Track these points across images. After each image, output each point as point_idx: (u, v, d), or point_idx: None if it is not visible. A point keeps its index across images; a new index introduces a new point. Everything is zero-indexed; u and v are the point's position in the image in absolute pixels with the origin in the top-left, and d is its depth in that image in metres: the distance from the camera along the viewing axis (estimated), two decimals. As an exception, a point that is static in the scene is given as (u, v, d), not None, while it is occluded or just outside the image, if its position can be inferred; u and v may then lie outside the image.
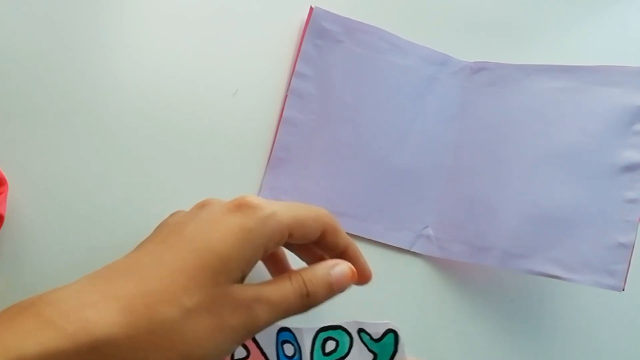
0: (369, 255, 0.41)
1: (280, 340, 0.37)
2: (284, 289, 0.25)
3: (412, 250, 0.41)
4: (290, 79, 0.40)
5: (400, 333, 0.37)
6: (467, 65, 0.43)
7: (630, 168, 0.38)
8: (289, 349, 0.37)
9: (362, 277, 0.31)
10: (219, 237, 0.23)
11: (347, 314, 0.40)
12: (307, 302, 0.26)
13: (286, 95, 0.40)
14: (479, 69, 0.42)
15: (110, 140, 0.38)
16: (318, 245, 0.29)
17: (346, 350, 0.37)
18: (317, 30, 0.41)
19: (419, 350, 0.40)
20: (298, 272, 0.27)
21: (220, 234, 0.23)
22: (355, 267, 0.29)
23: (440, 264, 0.42)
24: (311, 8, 0.41)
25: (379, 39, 0.41)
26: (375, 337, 0.37)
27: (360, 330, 0.38)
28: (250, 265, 0.24)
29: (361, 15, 0.41)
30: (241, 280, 0.24)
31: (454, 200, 0.41)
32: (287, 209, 0.26)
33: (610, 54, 0.45)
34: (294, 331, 0.37)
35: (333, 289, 0.27)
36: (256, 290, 0.24)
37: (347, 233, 0.40)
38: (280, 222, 0.25)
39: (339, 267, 0.27)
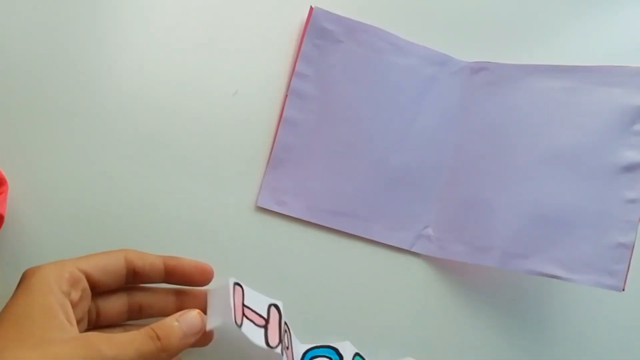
0: (369, 255, 0.41)
1: None
2: (131, 334, 0.26)
3: (412, 250, 0.41)
4: (290, 79, 0.40)
5: None
6: (467, 65, 0.43)
7: (630, 168, 0.38)
8: None
9: (202, 273, 0.32)
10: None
11: (348, 313, 0.40)
12: (161, 345, 0.26)
13: (286, 95, 0.40)
14: (479, 69, 0.42)
15: (110, 140, 0.38)
16: (140, 279, 0.31)
17: None
18: (317, 30, 0.41)
19: (419, 350, 0.40)
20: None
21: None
22: (187, 269, 0.31)
23: (440, 264, 0.42)
24: (311, 8, 0.41)
25: (379, 39, 0.41)
26: None
27: (356, 355, 0.37)
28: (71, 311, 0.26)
29: (361, 15, 0.41)
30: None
31: (454, 200, 0.41)
32: (82, 259, 0.28)
33: (610, 54, 0.45)
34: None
35: (185, 333, 0.28)
36: (99, 335, 0.25)
37: (347, 233, 0.41)
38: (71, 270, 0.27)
39: (188, 313, 0.29)
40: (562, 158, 0.39)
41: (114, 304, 0.31)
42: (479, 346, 0.42)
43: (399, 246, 0.41)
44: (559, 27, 0.45)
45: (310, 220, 0.40)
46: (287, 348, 0.35)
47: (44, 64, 0.37)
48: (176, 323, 0.28)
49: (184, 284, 0.32)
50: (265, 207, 0.39)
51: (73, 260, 0.28)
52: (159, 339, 0.26)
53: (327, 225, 0.40)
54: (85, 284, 0.28)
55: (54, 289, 0.26)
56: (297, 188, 0.40)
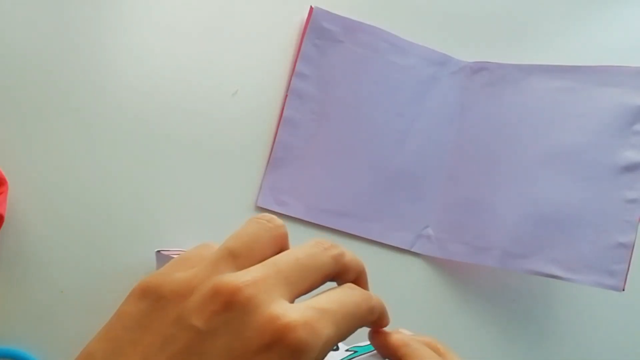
0: (369, 255, 0.41)
1: None
2: None
3: (412, 250, 0.41)
4: (290, 79, 0.40)
5: None
6: (467, 65, 0.43)
7: (630, 168, 0.38)
8: None
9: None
10: None
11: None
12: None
13: (286, 95, 0.40)
14: (479, 69, 0.42)
15: (110, 140, 0.38)
16: None
17: None
18: (317, 30, 0.41)
19: (419, 350, 0.40)
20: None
21: None
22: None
23: (440, 264, 0.42)
24: (311, 8, 0.41)
25: (379, 38, 0.41)
26: None
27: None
28: None
29: (361, 15, 0.41)
30: None
31: (454, 200, 0.41)
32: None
33: (610, 54, 0.45)
34: None
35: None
36: None
37: (347, 233, 0.41)
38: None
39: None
40: (562, 158, 0.39)
41: None
42: (479, 346, 0.42)
43: (399, 246, 0.41)
44: (559, 27, 0.45)
45: (310, 220, 0.40)
46: None
47: (45, 65, 0.37)
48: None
49: None
50: (265, 207, 0.39)
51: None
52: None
53: (327, 225, 0.40)
54: None
55: None
56: (297, 188, 0.40)
